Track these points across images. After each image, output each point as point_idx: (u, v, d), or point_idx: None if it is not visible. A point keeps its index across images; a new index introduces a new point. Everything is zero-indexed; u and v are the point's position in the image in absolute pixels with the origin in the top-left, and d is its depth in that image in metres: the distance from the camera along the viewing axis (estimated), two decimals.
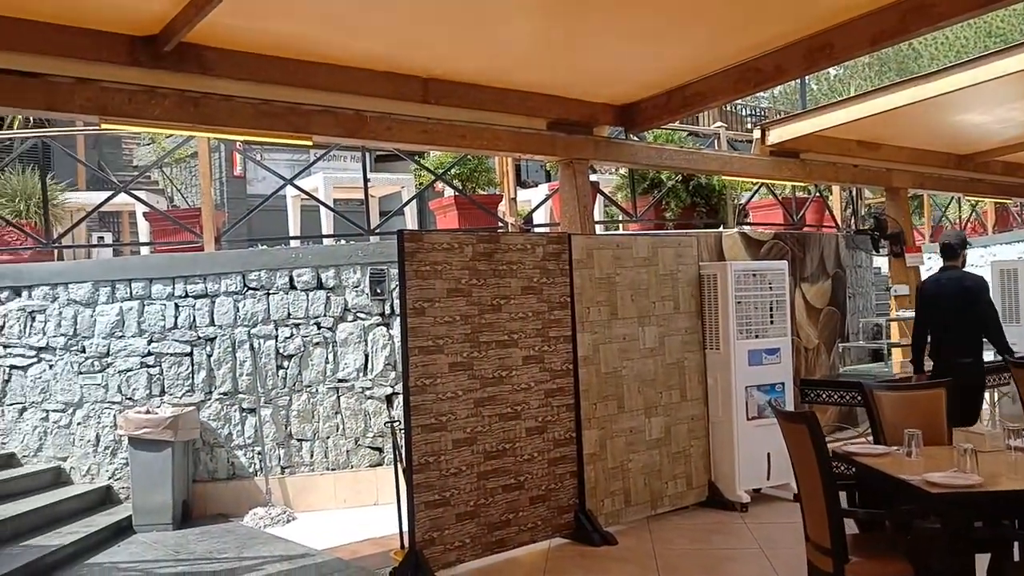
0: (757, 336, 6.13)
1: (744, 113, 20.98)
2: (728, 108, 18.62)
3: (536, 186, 11.70)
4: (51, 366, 7.03)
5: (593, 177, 7.71)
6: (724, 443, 6.14)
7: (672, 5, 4.44)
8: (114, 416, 6.91)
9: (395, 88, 5.06)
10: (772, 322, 6.19)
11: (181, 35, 4.03)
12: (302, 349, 7.01)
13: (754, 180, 8.80)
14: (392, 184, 10.17)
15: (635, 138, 7.61)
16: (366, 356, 7.06)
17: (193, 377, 6.97)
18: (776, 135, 7.31)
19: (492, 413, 5.21)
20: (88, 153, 12.76)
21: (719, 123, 12.15)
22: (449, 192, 8.62)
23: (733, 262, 6.47)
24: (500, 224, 8.35)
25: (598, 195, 8.54)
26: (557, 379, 5.52)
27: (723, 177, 8.46)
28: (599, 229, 8.15)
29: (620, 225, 9.48)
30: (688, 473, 6.14)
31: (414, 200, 9.38)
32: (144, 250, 8.52)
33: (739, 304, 6.08)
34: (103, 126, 4.49)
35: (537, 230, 9.04)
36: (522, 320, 5.38)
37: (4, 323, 7.04)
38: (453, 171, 8.52)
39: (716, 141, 10.18)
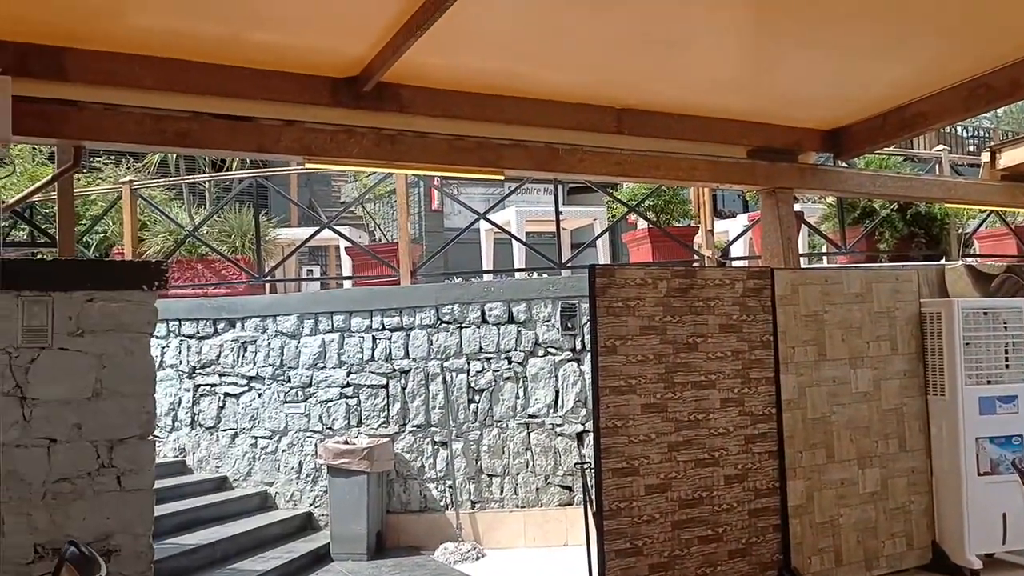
0: (989, 382, 5.48)
1: (965, 135, 19.36)
2: (947, 130, 17.23)
3: (733, 216, 11.24)
4: (260, 394, 7.39)
5: (796, 207, 7.26)
6: (951, 500, 5.50)
7: (895, 18, 4.04)
8: (315, 445, 7.16)
9: (587, 120, 4.94)
10: (1007, 366, 5.52)
11: (379, 75, 4.10)
12: (493, 383, 7.00)
13: (982, 208, 8.00)
14: (584, 217, 10.08)
15: (844, 165, 7.10)
16: (556, 392, 6.94)
17: (388, 409, 7.11)
18: (1008, 158, 6.58)
19: (688, 458, 4.92)
20: (300, 191, 13.58)
21: (940, 146, 11.20)
22: (642, 224, 8.41)
23: (960, 299, 5.83)
24: (696, 257, 8.03)
25: (802, 226, 8.05)
26: (758, 424, 5.15)
27: (946, 205, 7.74)
28: (803, 262, 7.66)
29: (825, 258, 8.89)
30: (908, 532, 5.55)
31: (606, 233, 9.23)
32: (346, 283, 8.86)
33: (967, 346, 5.46)
34: (307, 165, 4.64)
35: (735, 263, 8.63)
36: (720, 360, 5.07)
37: (220, 353, 7.49)
38: (647, 203, 8.31)
39: (937, 166, 9.37)
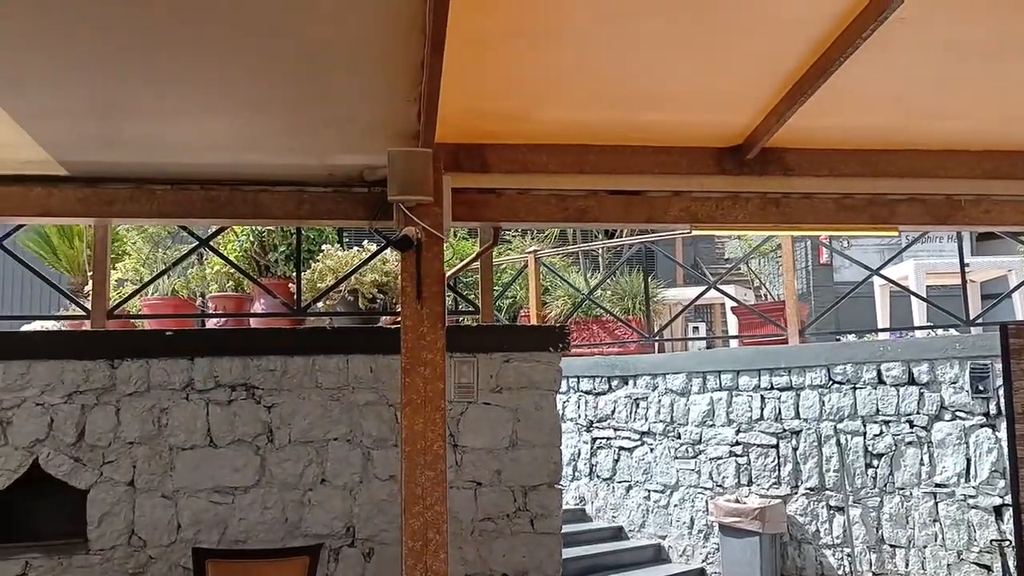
0: None
1: None
2: None
3: None
4: (652, 449, 7.70)
5: None
6: None
7: None
8: (706, 501, 7.27)
9: (994, 167, 4.61)
10: None
11: (763, 142, 4.23)
12: (892, 448, 6.61)
13: None
14: (996, 268, 9.15)
15: None
16: (968, 460, 6.36)
17: (779, 469, 7.02)
18: None
19: None
20: (685, 250, 13.94)
21: None
22: None
23: None
24: None
25: None
26: None
27: None
28: None
29: None
30: None
31: None
32: (732, 342, 8.94)
33: None
34: (694, 232, 4.88)
35: None
36: None
37: (615, 408, 7.95)
38: None
39: None
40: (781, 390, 7.09)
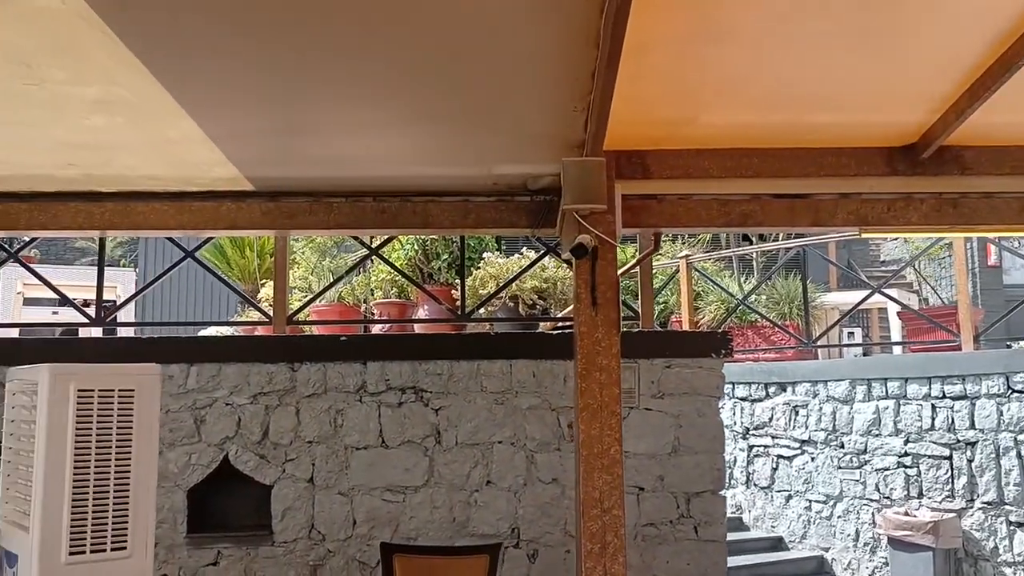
0: None
1: None
2: None
3: None
4: (813, 458, 7.48)
5: None
6: None
7: None
8: (872, 513, 7.00)
9: None
10: None
11: (940, 140, 4.07)
12: None
13: None
14: None
15: None
16: None
17: (952, 482, 6.68)
18: None
19: None
20: (838, 253, 13.46)
21: None
22: None
23: None
24: None
25: None
26: None
27: None
28: None
29: None
30: None
31: None
32: (896, 349, 8.57)
33: None
34: (862, 235, 4.74)
35: None
36: None
37: (772, 415, 7.77)
38: None
39: None
40: (954, 399, 6.75)
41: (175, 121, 3.59)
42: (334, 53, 3.04)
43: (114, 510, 2.85)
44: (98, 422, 2.85)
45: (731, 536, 7.36)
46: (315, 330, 6.29)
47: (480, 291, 5.52)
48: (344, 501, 4.88)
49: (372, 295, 6.89)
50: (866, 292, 8.94)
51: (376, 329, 6.38)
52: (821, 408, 7.47)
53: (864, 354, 10.49)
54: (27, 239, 5.64)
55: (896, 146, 4.34)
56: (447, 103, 3.60)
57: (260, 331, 6.25)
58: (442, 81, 3.34)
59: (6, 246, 5.77)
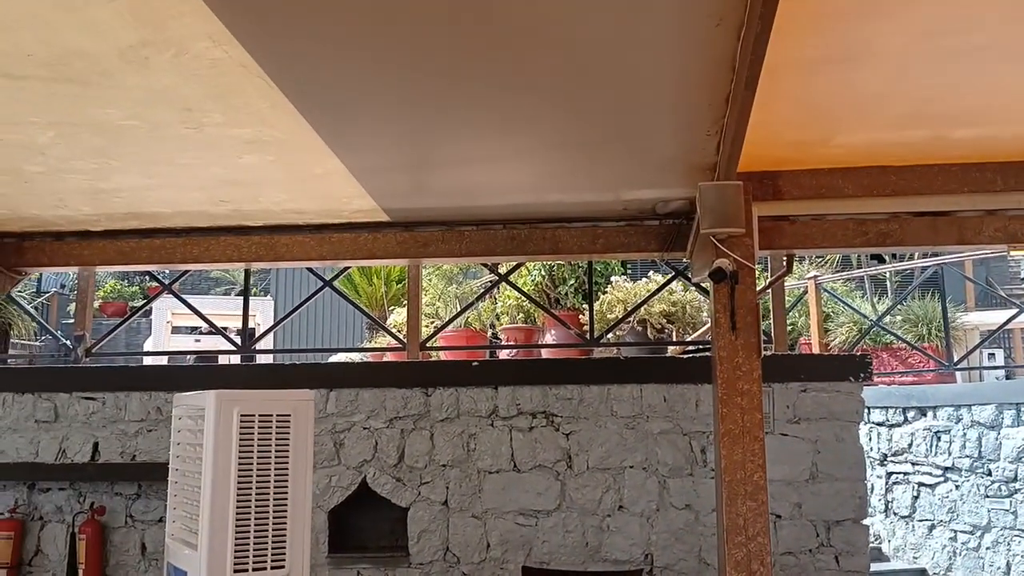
0: None
1: None
2: None
3: None
4: (957, 486, 7.13)
5: None
6: None
7: None
8: None
9: None
10: None
11: None
12: None
13: None
14: None
15: None
16: None
17: None
18: None
19: None
20: (976, 270, 12.82)
21: None
22: None
23: None
24: None
25: None
26: None
27: None
28: None
29: None
30: None
31: None
32: None
33: None
34: (1012, 253, 4.54)
35: None
36: None
37: (912, 441, 7.45)
38: None
39: None
40: None
41: (321, 158, 3.78)
42: (483, 85, 3.12)
43: (273, 529, 3.00)
44: (258, 445, 3.01)
45: (872, 567, 7.08)
46: (443, 355, 6.44)
47: (608, 315, 5.53)
48: (478, 524, 4.95)
49: (498, 320, 6.99)
50: (1009, 311, 8.49)
51: (503, 354, 6.47)
52: (965, 433, 7.11)
53: (1007, 377, 9.94)
54: (180, 272, 5.98)
55: None
56: (580, 131, 3.65)
57: (389, 356, 6.44)
58: (576, 108, 3.39)
59: (160, 278, 6.15)
